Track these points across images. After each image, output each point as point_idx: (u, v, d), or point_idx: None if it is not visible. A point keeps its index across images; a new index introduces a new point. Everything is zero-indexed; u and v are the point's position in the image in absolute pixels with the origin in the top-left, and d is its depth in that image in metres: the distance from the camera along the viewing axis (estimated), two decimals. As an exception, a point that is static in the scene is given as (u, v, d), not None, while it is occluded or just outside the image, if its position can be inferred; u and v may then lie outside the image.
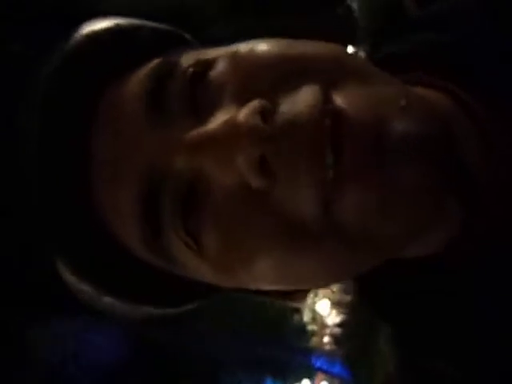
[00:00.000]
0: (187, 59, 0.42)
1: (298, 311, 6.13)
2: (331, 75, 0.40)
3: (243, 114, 0.37)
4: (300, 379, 5.28)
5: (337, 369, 6.02)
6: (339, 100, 0.38)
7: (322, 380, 5.33)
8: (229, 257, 0.39)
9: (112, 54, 0.43)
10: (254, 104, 0.37)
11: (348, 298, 5.92)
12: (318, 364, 6.25)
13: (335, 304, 5.79)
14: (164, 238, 0.40)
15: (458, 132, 0.44)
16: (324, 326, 5.73)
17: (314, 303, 5.70)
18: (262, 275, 0.40)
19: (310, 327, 6.18)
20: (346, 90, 0.39)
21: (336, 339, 5.65)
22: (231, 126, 0.37)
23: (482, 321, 0.46)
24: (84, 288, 0.43)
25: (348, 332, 5.73)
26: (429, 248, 0.47)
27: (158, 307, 0.47)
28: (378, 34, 0.57)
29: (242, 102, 0.38)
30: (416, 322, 0.49)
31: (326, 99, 0.38)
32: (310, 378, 5.35)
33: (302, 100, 0.38)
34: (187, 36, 0.49)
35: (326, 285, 0.49)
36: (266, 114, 0.37)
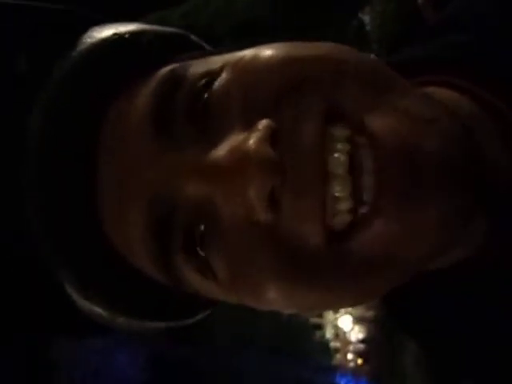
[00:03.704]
0: (194, 71, 0.39)
1: (321, 327, 5.42)
2: (340, 83, 0.36)
3: (253, 141, 0.34)
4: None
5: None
6: (353, 115, 0.35)
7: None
8: (237, 284, 0.38)
9: (114, 65, 0.40)
10: (263, 128, 0.34)
11: (370, 312, 5.38)
12: (342, 382, 5.20)
13: (358, 319, 5.19)
14: (174, 261, 0.39)
15: (482, 135, 0.41)
16: (347, 342, 5.05)
17: (336, 319, 5.15)
18: (271, 303, 0.38)
19: (333, 344, 5.30)
20: (360, 101, 0.35)
21: (360, 356, 4.95)
22: (240, 155, 0.34)
23: (509, 336, 0.42)
24: (97, 311, 0.42)
25: (372, 348, 5.08)
26: (453, 260, 0.43)
27: (170, 321, 0.46)
28: (394, 41, 0.60)
29: (248, 121, 0.36)
30: (441, 338, 0.46)
31: (329, 121, 0.35)
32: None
33: (304, 129, 0.35)
34: (194, 37, 0.46)
35: (342, 307, 0.46)
36: (274, 138, 0.34)
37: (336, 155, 0.36)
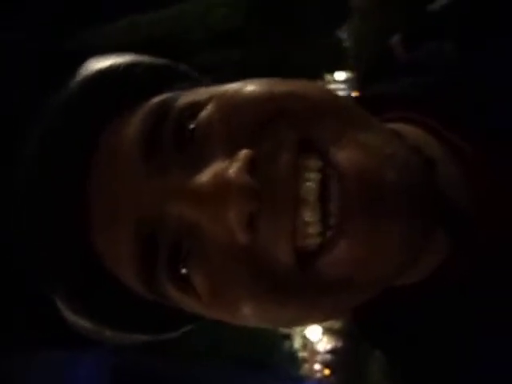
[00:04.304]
0: (182, 102, 0.43)
1: (289, 337, 5.43)
2: (311, 118, 0.40)
3: (233, 170, 0.37)
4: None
5: (328, 397, 5.10)
6: (322, 149, 0.39)
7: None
8: (216, 301, 0.41)
9: (108, 95, 0.44)
10: (242, 158, 0.38)
11: (339, 323, 5.42)
12: (309, 392, 5.24)
13: (326, 330, 5.23)
14: (158, 278, 0.42)
15: (443, 170, 0.45)
16: (315, 352, 5.07)
17: (305, 329, 5.18)
18: (246, 319, 0.41)
19: (301, 354, 5.32)
20: (328, 136, 0.40)
21: (327, 366, 4.99)
22: (222, 182, 0.38)
23: (473, 347, 0.46)
24: (85, 325, 0.45)
25: (339, 359, 5.12)
26: (419, 276, 0.47)
27: (154, 334, 0.49)
28: (368, 75, 0.59)
29: (230, 150, 0.39)
30: (407, 350, 0.49)
31: (302, 153, 0.40)
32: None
33: (280, 160, 0.39)
34: (183, 67, 0.50)
35: (314, 323, 0.52)
36: (252, 166, 0.38)
37: (308, 184, 0.40)
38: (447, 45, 0.53)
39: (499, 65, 0.50)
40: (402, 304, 0.49)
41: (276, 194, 0.39)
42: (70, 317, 0.46)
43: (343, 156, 0.39)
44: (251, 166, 0.39)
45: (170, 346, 5.13)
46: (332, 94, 0.44)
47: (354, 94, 0.67)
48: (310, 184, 0.40)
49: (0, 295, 0.47)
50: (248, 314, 0.41)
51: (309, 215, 0.40)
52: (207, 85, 0.47)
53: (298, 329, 5.36)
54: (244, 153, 0.39)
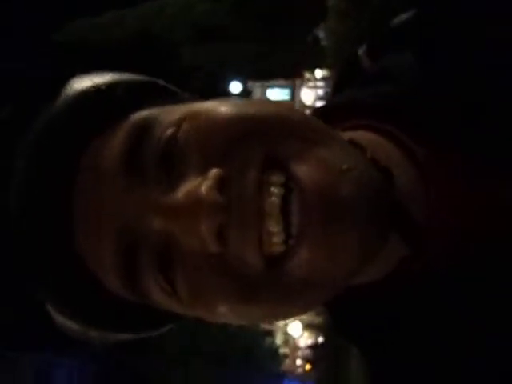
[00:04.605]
0: (161, 120, 0.46)
1: (271, 334, 5.49)
2: (277, 137, 0.44)
3: (204, 188, 0.41)
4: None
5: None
6: (286, 165, 0.43)
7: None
8: (195, 302, 0.45)
9: (91, 114, 0.47)
10: (212, 176, 0.42)
11: (319, 319, 5.49)
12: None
13: (307, 326, 5.30)
14: (141, 283, 0.45)
15: (401, 176, 0.48)
16: (296, 348, 5.13)
17: (286, 325, 5.24)
18: (223, 318, 0.46)
19: (283, 350, 5.38)
20: (291, 153, 0.43)
21: (308, 362, 5.05)
22: (194, 199, 0.42)
23: (441, 346, 0.48)
24: (71, 326, 0.48)
25: (320, 354, 5.19)
26: (382, 273, 0.49)
27: (137, 333, 0.52)
28: (339, 83, 0.61)
29: (203, 168, 0.43)
30: (379, 344, 0.52)
31: (268, 169, 0.43)
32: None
33: (247, 176, 0.43)
34: (161, 82, 0.52)
35: (286, 318, 0.51)
36: (222, 184, 0.42)
37: (271, 198, 0.44)
38: (408, 56, 0.57)
39: (469, 73, 0.53)
40: (368, 301, 0.52)
41: (243, 208, 0.43)
42: (58, 318, 0.48)
43: (304, 171, 0.43)
44: (220, 183, 0.42)
45: (152, 348, 5.11)
46: (297, 113, 0.47)
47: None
48: (274, 199, 0.43)
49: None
50: (224, 314, 0.45)
51: (273, 225, 0.43)
52: (186, 99, 0.51)
53: (279, 325, 5.40)
54: (214, 172, 0.43)
